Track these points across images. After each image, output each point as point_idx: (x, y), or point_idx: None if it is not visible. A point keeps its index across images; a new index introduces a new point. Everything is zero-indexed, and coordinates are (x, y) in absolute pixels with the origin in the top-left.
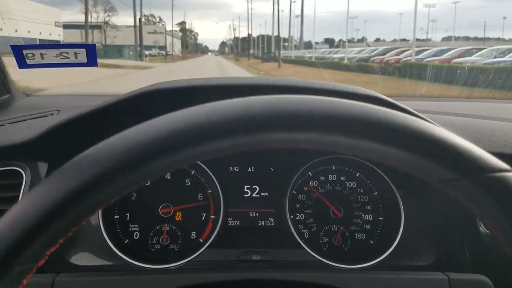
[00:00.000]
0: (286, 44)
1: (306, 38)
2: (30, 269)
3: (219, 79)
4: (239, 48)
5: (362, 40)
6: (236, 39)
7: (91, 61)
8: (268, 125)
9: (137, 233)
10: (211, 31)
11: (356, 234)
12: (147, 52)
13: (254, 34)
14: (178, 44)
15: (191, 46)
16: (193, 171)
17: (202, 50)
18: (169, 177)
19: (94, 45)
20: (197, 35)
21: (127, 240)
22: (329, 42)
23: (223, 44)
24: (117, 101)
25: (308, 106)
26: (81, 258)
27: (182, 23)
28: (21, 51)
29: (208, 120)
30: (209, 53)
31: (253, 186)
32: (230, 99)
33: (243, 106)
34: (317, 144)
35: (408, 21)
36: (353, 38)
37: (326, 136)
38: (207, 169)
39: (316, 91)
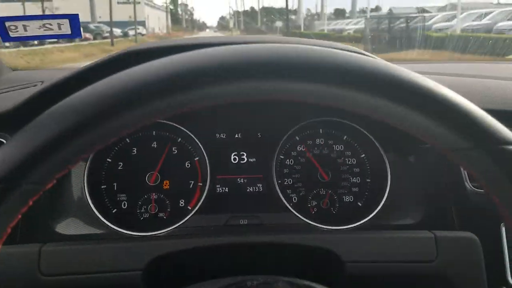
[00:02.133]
0: (293, 16)
1: (313, 10)
2: (37, 190)
3: (197, 39)
4: (241, 24)
5: (376, 9)
6: (236, 13)
7: (75, 32)
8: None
9: (125, 202)
10: (210, 7)
11: (344, 197)
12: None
13: (256, 8)
14: (164, 19)
15: (186, 22)
16: (179, 139)
17: (199, 26)
18: (155, 145)
19: (77, 15)
20: (193, 10)
21: (115, 210)
22: (340, 13)
23: (222, 19)
24: (95, 64)
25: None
26: (68, 227)
27: None
28: (3, 23)
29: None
30: (207, 30)
31: (241, 152)
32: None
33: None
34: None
35: None
36: (366, 8)
37: (341, 90)
38: (193, 136)
39: None
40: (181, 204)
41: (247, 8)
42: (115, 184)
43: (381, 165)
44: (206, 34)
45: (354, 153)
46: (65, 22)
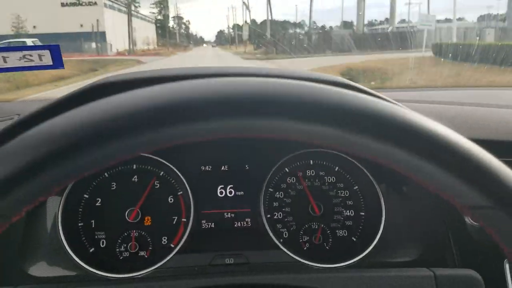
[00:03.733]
0: (298, 30)
1: (319, 23)
2: (2, 223)
3: (182, 70)
4: (236, 37)
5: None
6: (236, 26)
7: (57, 63)
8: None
9: (104, 240)
10: (207, 21)
11: (337, 231)
12: None
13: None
14: (151, 31)
15: (181, 36)
16: (162, 172)
17: (196, 41)
18: (136, 179)
19: (57, 46)
20: (189, 23)
21: (92, 249)
22: (347, 26)
23: (220, 33)
24: (70, 95)
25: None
26: (41, 269)
27: (161, 1)
28: None
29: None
30: (204, 45)
31: (227, 186)
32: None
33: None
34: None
35: None
36: (375, 20)
37: (355, 137)
38: (176, 170)
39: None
40: (164, 241)
41: (251, 19)
42: (92, 221)
43: (375, 198)
44: (202, 50)
45: (346, 185)
46: (46, 53)
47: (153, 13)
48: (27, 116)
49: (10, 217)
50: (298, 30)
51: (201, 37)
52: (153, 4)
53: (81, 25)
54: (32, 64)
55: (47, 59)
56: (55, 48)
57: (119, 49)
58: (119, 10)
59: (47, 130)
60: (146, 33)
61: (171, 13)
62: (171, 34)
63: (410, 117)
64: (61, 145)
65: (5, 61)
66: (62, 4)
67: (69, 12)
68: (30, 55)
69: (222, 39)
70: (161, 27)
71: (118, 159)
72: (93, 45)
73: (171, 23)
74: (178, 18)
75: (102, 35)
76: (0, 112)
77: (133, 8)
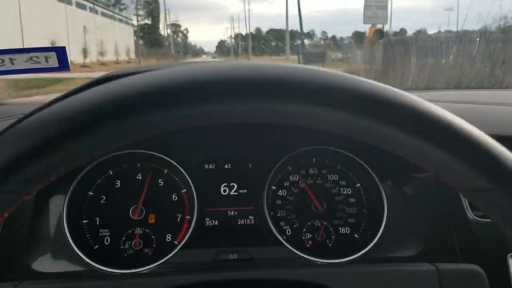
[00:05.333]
0: (306, 40)
1: (329, 33)
2: (14, 200)
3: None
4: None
5: (402, 33)
6: (238, 36)
7: (63, 65)
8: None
9: (108, 238)
10: (207, 33)
11: (340, 228)
12: None
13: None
14: (129, 39)
15: (177, 46)
16: (166, 170)
17: (194, 52)
18: (140, 177)
19: (64, 48)
20: (187, 32)
21: (97, 246)
22: (358, 36)
23: (221, 43)
24: (74, 89)
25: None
26: (45, 265)
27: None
28: None
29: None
30: (204, 56)
31: (231, 184)
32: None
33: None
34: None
35: None
36: (387, 31)
37: (357, 119)
38: (180, 168)
39: None
40: (168, 239)
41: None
42: (97, 218)
43: (377, 195)
44: (202, 60)
45: (349, 183)
46: (52, 55)
47: (140, 15)
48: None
49: (21, 195)
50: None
51: (200, 47)
52: (140, 5)
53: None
54: (39, 66)
55: (53, 61)
56: (61, 50)
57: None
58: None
59: (58, 111)
60: (122, 39)
61: (166, 19)
62: (162, 43)
63: (414, 101)
64: (69, 126)
65: (12, 63)
66: None
67: None
68: (37, 57)
69: (224, 50)
70: (148, 33)
71: (130, 138)
72: None
73: (165, 31)
74: (175, 25)
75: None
76: (7, 113)
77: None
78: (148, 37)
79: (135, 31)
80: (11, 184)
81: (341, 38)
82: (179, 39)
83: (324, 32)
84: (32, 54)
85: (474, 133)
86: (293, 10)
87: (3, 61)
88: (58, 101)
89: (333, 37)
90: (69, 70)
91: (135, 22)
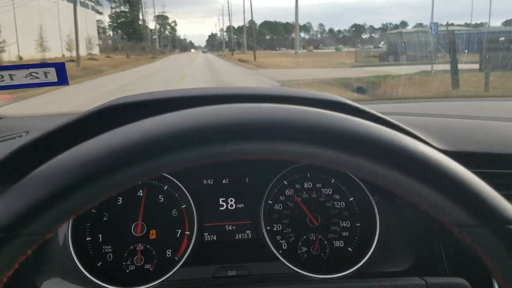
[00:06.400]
0: (303, 34)
1: (327, 26)
2: (37, 240)
3: (183, 91)
4: (232, 41)
5: (403, 25)
6: (230, 29)
7: (62, 80)
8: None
9: (110, 254)
10: (197, 26)
11: (334, 242)
12: None
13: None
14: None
15: (163, 40)
16: (166, 187)
17: (183, 46)
18: (141, 194)
19: (63, 64)
20: (175, 24)
21: (100, 263)
22: (358, 28)
23: (212, 37)
24: (78, 118)
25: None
26: (52, 285)
27: None
28: None
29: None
30: (193, 50)
31: (229, 199)
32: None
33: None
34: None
35: None
36: (389, 23)
37: (349, 157)
38: (179, 184)
39: None
40: (168, 254)
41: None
42: (100, 235)
43: (369, 208)
44: (183, 58)
45: (342, 197)
46: (51, 71)
47: (114, 0)
48: (44, 134)
49: (44, 233)
50: (302, 34)
51: (190, 41)
52: None
53: None
54: (38, 81)
55: (53, 76)
56: (60, 66)
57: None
58: None
59: (77, 156)
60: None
61: (147, 11)
62: (142, 35)
63: (402, 141)
64: (89, 170)
65: (11, 79)
66: None
67: None
68: (36, 73)
69: (215, 44)
70: (124, 23)
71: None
72: None
73: (143, 21)
74: (162, 17)
75: None
76: (7, 128)
77: None
78: (123, 27)
79: (98, 20)
80: (35, 226)
81: (339, 31)
82: (166, 32)
83: (321, 25)
84: (31, 69)
85: (461, 172)
86: (288, 3)
87: (2, 76)
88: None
89: (331, 30)
90: (67, 84)
91: (107, 10)
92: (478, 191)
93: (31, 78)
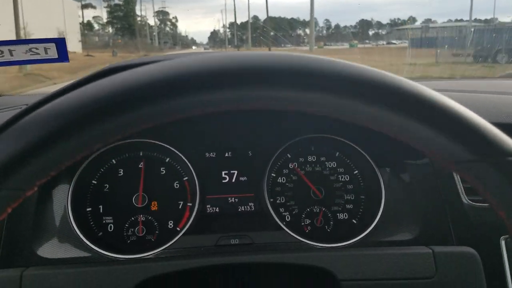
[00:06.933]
0: (308, 30)
1: (333, 22)
2: (17, 196)
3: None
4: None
5: (412, 21)
6: (233, 25)
7: (62, 56)
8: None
9: (111, 225)
10: (199, 23)
11: (338, 214)
12: None
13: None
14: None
15: (163, 36)
16: (168, 159)
17: (185, 43)
18: (142, 166)
19: (63, 39)
20: (176, 20)
21: (100, 233)
22: (365, 24)
23: (214, 33)
24: (75, 83)
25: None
26: (51, 251)
27: None
28: None
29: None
30: (194, 47)
31: (231, 171)
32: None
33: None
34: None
35: None
36: (397, 19)
37: (340, 99)
38: (182, 156)
39: None
40: (170, 225)
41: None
42: (100, 206)
43: (375, 181)
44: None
45: (347, 170)
46: (52, 46)
47: None
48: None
49: (25, 190)
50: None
51: (192, 38)
52: None
53: None
54: (38, 57)
55: (53, 52)
56: (61, 42)
57: None
58: None
59: (56, 107)
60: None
61: (147, 6)
62: (136, 31)
63: (398, 81)
64: (67, 121)
65: (11, 54)
66: None
67: None
68: (36, 48)
69: (217, 40)
70: (118, 17)
71: (138, 127)
72: None
73: (139, 16)
74: (163, 13)
75: None
76: (9, 103)
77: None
78: (115, 21)
79: (96, 16)
80: (14, 180)
81: (345, 27)
82: (167, 29)
83: (327, 21)
84: (31, 45)
85: (457, 108)
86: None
87: (2, 52)
88: (57, 95)
89: (337, 26)
90: (68, 61)
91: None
92: (475, 125)
93: (31, 54)
